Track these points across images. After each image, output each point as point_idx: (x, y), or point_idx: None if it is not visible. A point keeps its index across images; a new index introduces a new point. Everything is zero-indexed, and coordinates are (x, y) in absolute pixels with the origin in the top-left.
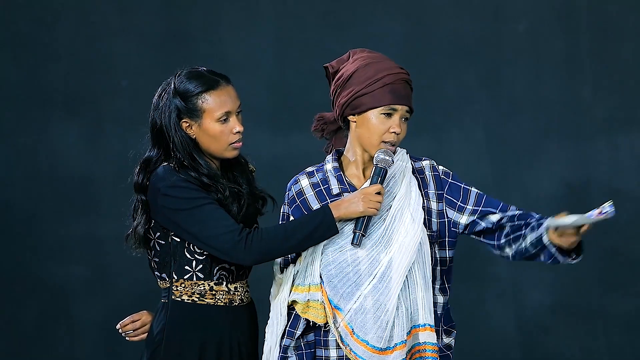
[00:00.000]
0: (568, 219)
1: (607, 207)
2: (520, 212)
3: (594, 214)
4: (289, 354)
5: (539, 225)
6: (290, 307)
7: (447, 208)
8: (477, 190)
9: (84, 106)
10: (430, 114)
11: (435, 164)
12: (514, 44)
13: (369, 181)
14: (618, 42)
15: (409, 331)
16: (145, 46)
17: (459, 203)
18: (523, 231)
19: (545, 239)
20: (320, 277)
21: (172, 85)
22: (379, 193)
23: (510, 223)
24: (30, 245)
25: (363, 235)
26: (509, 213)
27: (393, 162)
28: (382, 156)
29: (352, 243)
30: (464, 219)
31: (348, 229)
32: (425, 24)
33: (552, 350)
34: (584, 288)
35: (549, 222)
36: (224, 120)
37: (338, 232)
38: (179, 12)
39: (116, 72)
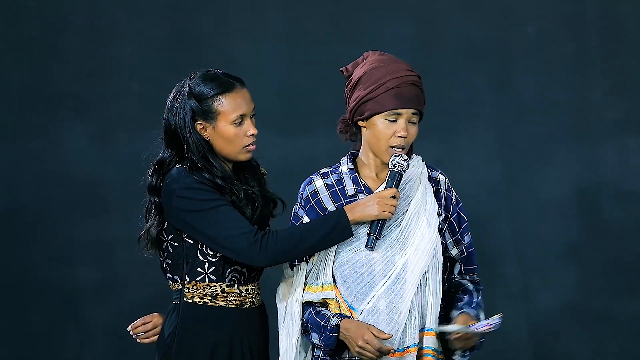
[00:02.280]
0: (451, 327)
1: (496, 319)
2: (467, 286)
3: (481, 326)
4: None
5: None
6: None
7: (447, 231)
8: (470, 237)
9: (92, 109)
10: (439, 117)
11: (449, 183)
12: (524, 47)
13: (384, 184)
14: (628, 44)
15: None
16: (154, 50)
17: (458, 235)
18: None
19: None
20: (333, 277)
21: (187, 87)
22: (394, 197)
23: (452, 287)
24: (40, 248)
25: (377, 239)
26: (462, 281)
27: (409, 166)
28: (397, 160)
29: (366, 246)
30: (454, 252)
31: (363, 231)
32: (435, 27)
33: (562, 353)
34: (594, 291)
35: (435, 327)
36: (239, 123)
37: (353, 235)
38: (188, 16)
39: (125, 75)
